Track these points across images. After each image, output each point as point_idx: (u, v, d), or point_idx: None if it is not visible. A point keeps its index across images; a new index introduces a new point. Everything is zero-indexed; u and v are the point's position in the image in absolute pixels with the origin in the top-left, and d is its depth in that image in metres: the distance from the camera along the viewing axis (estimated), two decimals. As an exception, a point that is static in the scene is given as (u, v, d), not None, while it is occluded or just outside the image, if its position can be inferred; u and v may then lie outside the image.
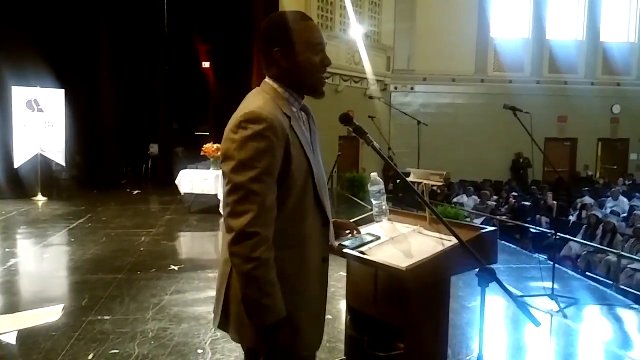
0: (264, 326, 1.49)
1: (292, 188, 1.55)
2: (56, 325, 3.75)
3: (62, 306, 4.12)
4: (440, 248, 1.93)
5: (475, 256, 1.59)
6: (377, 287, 2.10)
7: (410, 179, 2.25)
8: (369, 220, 2.34)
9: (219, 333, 3.59)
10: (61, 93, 10.30)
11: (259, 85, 1.70)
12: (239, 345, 1.73)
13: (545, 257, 6.49)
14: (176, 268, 5.34)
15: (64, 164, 10.65)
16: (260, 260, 1.44)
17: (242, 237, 1.44)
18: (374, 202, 2.21)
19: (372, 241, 2.09)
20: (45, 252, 6.19)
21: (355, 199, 10.62)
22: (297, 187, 1.56)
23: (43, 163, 10.15)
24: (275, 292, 1.48)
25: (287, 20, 1.61)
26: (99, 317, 3.91)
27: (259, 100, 1.57)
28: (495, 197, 12.46)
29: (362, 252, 2.01)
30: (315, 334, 1.68)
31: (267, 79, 1.67)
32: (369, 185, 2.18)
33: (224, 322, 1.63)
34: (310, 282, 1.63)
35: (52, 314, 3.95)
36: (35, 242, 6.64)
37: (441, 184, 2.19)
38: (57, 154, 10.32)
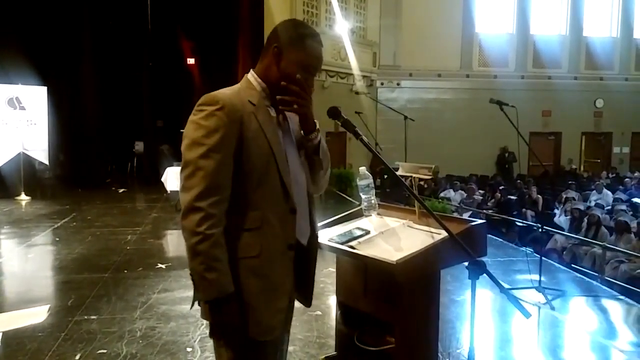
0: (206, 300, 1.54)
1: (251, 172, 1.58)
2: (42, 326, 3.69)
3: (47, 306, 4.07)
4: (430, 241, 1.93)
5: (465, 249, 1.59)
6: (366, 281, 2.09)
7: (399, 172, 2.25)
8: (358, 215, 2.34)
9: (208, 330, 3.56)
10: (43, 90, 10.15)
11: None
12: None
13: (532, 250, 6.55)
14: (163, 266, 5.30)
15: (47, 162, 10.50)
16: (204, 235, 1.47)
17: (188, 211, 1.49)
18: (363, 196, 2.21)
19: (361, 235, 2.08)
20: (29, 252, 6.10)
21: (343, 195, 10.63)
22: (257, 172, 1.59)
23: (26, 162, 10.01)
24: (220, 267, 1.50)
25: (299, 28, 1.69)
26: (86, 317, 3.87)
27: (226, 89, 1.65)
28: (481, 191, 12.54)
29: (351, 247, 2.01)
30: (275, 319, 1.64)
31: (250, 72, 1.72)
32: (357, 180, 2.17)
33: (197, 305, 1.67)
34: (271, 267, 1.62)
35: (37, 315, 3.89)
36: (19, 242, 6.55)
37: (430, 177, 2.19)
38: (40, 153, 10.17)
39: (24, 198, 9.70)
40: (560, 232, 8.53)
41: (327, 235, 2.10)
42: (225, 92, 1.61)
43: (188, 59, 13.71)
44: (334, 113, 1.75)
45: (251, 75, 1.70)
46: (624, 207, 9.85)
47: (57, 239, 6.62)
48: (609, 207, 10.10)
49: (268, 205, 1.61)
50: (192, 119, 1.56)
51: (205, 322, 3.72)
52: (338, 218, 2.33)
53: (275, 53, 1.64)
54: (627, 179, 13.99)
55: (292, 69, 1.64)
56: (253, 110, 1.61)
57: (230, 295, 1.52)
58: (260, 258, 1.60)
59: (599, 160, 18.62)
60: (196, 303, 1.66)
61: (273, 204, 1.62)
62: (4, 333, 3.55)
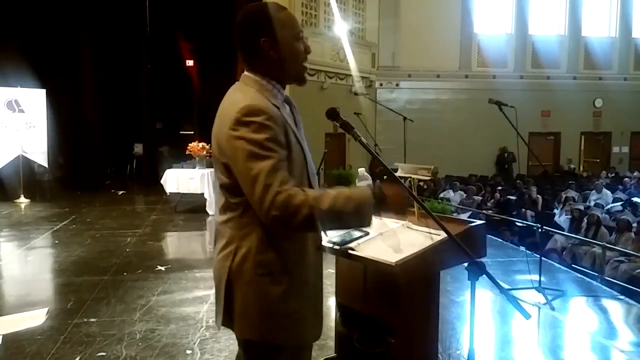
0: (370, 208, 1.51)
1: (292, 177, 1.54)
2: (41, 329, 3.69)
3: (46, 309, 4.06)
4: (429, 242, 1.93)
5: (464, 249, 1.59)
6: (366, 282, 2.09)
7: (398, 173, 2.25)
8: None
9: (208, 333, 3.56)
10: (42, 93, 10.13)
11: None
12: (228, 344, 1.72)
13: (531, 250, 6.55)
14: (163, 268, 5.29)
15: (46, 165, 10.49)
16: (303, 205, 1.42)
17: (282, 217, 1.42)
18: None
19: (360, 237, 2.07)
20: (28, 255, 6.09)
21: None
22: (296, 176, 1.55)
23: (25, 164, 9.99)
24: (333, 196, 1.46)
25: (269, 10, 1.61)
26: (85, 320, 3.86)
27: (245, 94, 1.56)
28: (481, 192, 12.55)
29: (350, 248, 2.00)
30: (316, 323, 1.68)
31: (247, 73, 1.64)
32: (356, 181, 2.17)
33: (226, 320, 1.61)
34: (308, 271, 1.63)
35: (36, 318, 3.88)
36: (18, 244, 6.54)
37: (429, 178, 2.18)
38: (39, 155, 10.16)
39: (23, 201, 9.69)
40: (560, 232, 8.53)
41: (327, 237, 2.10)
42: (257, 100, 1.52)
43: (187, 61, 13.71)
44: (332, 114, 1.75)
45: (253, 76, 1.62)
46: (619, 207, 9.86)
47: (57, 242, 6.61)
48: (608, 207, 10.10)
49: None
50: (238, 134, 1.46)
51: (205, 324, 3.74)
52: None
53: (268, 45, 1.58)
54: (626, 179, 14.00)
55: (293, 46, 1.62)
56: (281, 112, 1.57)
57: (365, 192, 1.51)
58: (300, 264, 1.60)
59: (598, 160, 18.62)
60: (219, 315, 1.63)
61: None
62: (4, 336, 3.55)
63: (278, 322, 1.56)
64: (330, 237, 2.08)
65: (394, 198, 1.57)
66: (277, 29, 1.59)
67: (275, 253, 1.55)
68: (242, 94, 1.56)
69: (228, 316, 1.59)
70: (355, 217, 1.50)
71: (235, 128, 1.46)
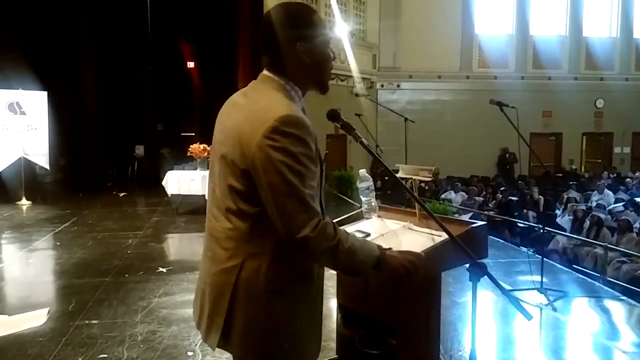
0: (373, 268, 1.50)
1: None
2: (43, 330, 3.69)
3: (47, 309, 4.06)
4: (430, 243, 1.92)
5: (466, 251, 1.58)
6: (367, 284, 2.08)
7: (399, 174, 2.24)
8: (358, 217, 2.33)
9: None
10: (43, 95, 10.15)
11: (244, 85, 1.62)
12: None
13: (533, 251, 6.54)
14: (164, 270, 5.29)
15: (47, 167, 10.50)
16: (334, 237, 1.41)
17: (314, 240, 1.38)
18: (363, 199, 2.20)
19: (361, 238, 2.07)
20: (30, 257, 6.09)
21: (344, 197, 10.63)
22: (316, 187, 1.49)
23: (26, 166, 10.00)
24: (353, 242, 1.46)
25: (310, 13, 1.55)
26: (87, 321, 3.86)
27: (277, 99, 1.48)
28: (482, 193, 12.54)
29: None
30: (318, 341, 1.63)
31: (270, 74, 1.55)
32: (357, 182, 2.17)
33: (221, 339, 1.50)
34: (313, 288, 1.58)
35: (37, 318, 3.88)
36: (20, 246, 6.54)
37: (430, 179, 2.18)
38: (41, 157, 10.17)
39: (24, 203, 9.70)
40: (562, 232, 8.52)
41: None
42: (293, 110, 1.44)
43: (188, 63, 13.72)
44: (333, 115, 1.73)
45: (278, 79, 1.53)
46: (621, 208, 9.85)
47: (58, 244, 6.61)
48: (610, 208, 10.09)
49: None
50: (278, 145, 1.36)
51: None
52: (338, 221, 2.32)
53: (303, 50, 1.51)
54: (628, 179, 13.99)
55: (325, 52, 1.56)
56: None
57: (380, 250, 1.51)
58: (309, 281, 1.56)
59: (599, 161, 18.61)
60: (214, 334, 1.53)
61: None
62: (5, 337, 3.55)
63: (284, 341, 1.50)
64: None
65: (394, 271, 1.53)
66: (313, 33, 1.52)
67: (287, 270, 1.48)
68: (274, 99, 1.47)
69: (224, 335, 1.50)
70: (357, 264, 1.48)
71: (273, 137, 1.36)
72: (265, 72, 1.57)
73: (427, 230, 2.07)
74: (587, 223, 8.52)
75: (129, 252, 6.11)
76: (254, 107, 1.47)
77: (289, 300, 1.49)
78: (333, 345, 2.50)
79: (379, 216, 2.29)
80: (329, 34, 1.58)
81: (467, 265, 1.66)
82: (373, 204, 2.20)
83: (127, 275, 5.11)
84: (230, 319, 1.48)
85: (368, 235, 2.10)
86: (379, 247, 1.53)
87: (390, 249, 1.55)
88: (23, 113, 9.89)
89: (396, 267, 1.52)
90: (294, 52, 1.51)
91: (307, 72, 1.54)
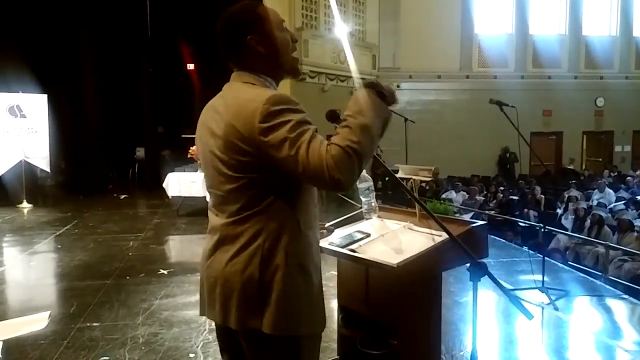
0: (381, 103, 1.51)
1: None
2: (44, 333, 3.68)
3: (48, 312, 4.05)
4: (430, 243, 1.92)
5: (466, 250, 1.58)
6: (368, 284, 2.08)
7: (399, 175, 2.24)
8: (359, 218, 2.33)
9: (210, 336, 3.56)
10: (44, 98, 10.17)
11: None
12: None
13: (534, 250, 6.54)
14: (165, 272, 5.30)
15: (48, 169, 10.51)
16: (353, 150, 1.40)
17: (345, 178, 1.39)
18: (363, 199, 2.20)
19: (362, 238, 2.07)
20: (31, 260, 6.10)
21: (344, 197, 10.61)
22: None
23: (27, 169, 10.02)
24: (355, 124, 1.44)
25: (250, 7, 1.60)
26: (88, 324, 3.86)
27: (256, 89, 1.54)
28: (483, 192, 12.53)
29: (352, 250, 2.00)
30: (324, 313, 1.66)
31: (240, 72, 1.61)
32: (357, 183, 2.16)
33: (262, 319, 1.52)
34: (317, 257, 1.63)
35: (38, 321, 3.88)
36: (21, 249, 6.55)
37: (430, 179, 2.18)
38: (42, 160, 10.18)
39: (25, 206, 9.71)
40: (563, 231, 8.51)
41: (328, 239, 2.10)
42: (275, 91, 1.53)
43: (188, 65, 13.73)
44: (332, 116, 1.73)
45: (249, 74, 1.59)
46: (622, 206, 9.84)
47: (59, 246, 6.62)
48: (611, 206, 10.07)
49: (314, 200, 1.62)
50: (277, 122, 1.41)
51: (207, 327, 3.73)
52: (339, 221, 2.32)
53: (255, 42, 1.57)
54: (629, 178, 13.96)
55: (279, 37, 1.60)
56: None
57: (368, 88, 1.51)
58: (317, 251, 1.62)
59: (600, 159, 18.59)
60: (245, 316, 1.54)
61: (314, 197, 1.62)
62: (6, 341, 3.54)
63: (309, 312, 1.56)
64: (332, 239, 2.08)
65: (388, 87, 1.57)
66: (260, 24, 1.58)
67: (304, 244, 1.55)
68: (253, 91, 1.53)
69: (254, 315, 1.52)
70: (380, 123, 1.49)
71: (269, 119, 1.42)
72: (235, 73, 1.63)
73: (428, 230, 2.07)
74: (588, 222, 8.51)
75: (130, 254, 6.11)
76: (238, 103, 1.51)
77: (307, 272, 1.55)
78: (334, 346, 2.50)
79: (379, 216, 2.29)
80: (279, 19, 1.63)
81: (468, 265, 1.65)
82: (373, 204, 2.20)
83: (128, 278, 5.11)
84: (264, 299, 1.51)
85: (368, 235, 2.10)
86: (362, 91, 1.51)
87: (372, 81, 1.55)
88: (23, 116, 9.91)
89: (390, 88, 1.57)
90: (248, 47, 1.57)
91: (268, 61, 1.60)
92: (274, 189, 1.50)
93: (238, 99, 1.52)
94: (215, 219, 1.63)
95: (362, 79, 1.49)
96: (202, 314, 1.72)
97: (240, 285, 1.53)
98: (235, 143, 1.47)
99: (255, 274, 1.51)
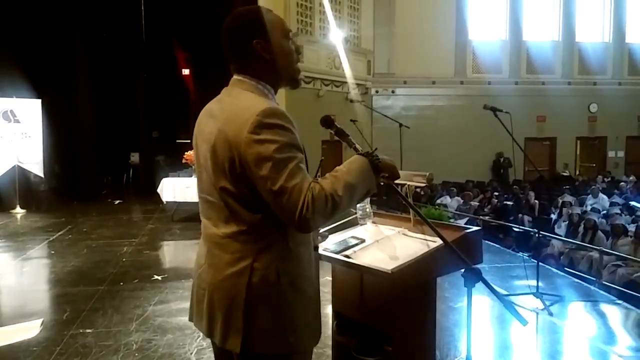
0: (370, 171, 1.54)
1: None
2: (37, 340, 3.66)
3: (40, 320, 4.03)
4: (425, 249, 1.93)
5: (460, 256, 1.58)
6: (362, 290, 2.08)
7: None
8: (353, 223, 2.33)
9: (205, 342, 3.54)
10: (37, 103, 10.12)
11: None
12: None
13: (529, 255, 6.55)
14: (159, 278, 5.27)
15: (42, 175, 10.45)
16: (327, 199, 1.41)
17: (316, 218, 1.39)
18: (358, 205, 2.20)
19: (356, 244, 2.07)
20: (24, 266, 6.06)
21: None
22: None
23: (21, 174, 9.96)
24: (342, 176, 1.48)
25: (259, 12, 1.60)
26: (81, 330, 3.83)
27: (253, 98, 1.52)
28: (478, 197, 12.56)
29: (346, 256, 2.00)
30: (319, 323, 1.65)
31: (240, 77, 1.60)
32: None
33: (244, 339, 1.49)
34: (313, 274, 1.62)
35: (30, 329, 3.85)
36: (14, 255, 6.50)
37: (424, 184, 2.18)
38: (35, 165, 10.13)
39: (19, 211, 9.65)
40: (557, 237, 8.54)
41: (323, 245, 2.09)
42: (271, 104, 1.49)
43: (182, 70, 13.73)
44: (326, 122, 1.74)
45: (248, 80, 1.58)
46: (617, 210, 9.88)
47: (53, 252, 6.58)
48: (605, 212, 10.11)
49: None
50: (263, 138, 1.39)
51: (201, 334, 3.70)
52: (333, 227, 2.32)
53: (260, 46, 1.56)
54: (622, 183, 14.04)
55: (285, 46, 1.61)
56: None
57: (365, 157, 1.56)
58: (312, 269, 1.60)
59: (594, 165, 18.68)
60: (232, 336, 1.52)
61: None
62: (-2, 348, 3.52)
63: (302, 329, 1.54)
64: (326, 245, 2.07)
65: (385, 162, 1.60)
66: (267, 30, 1.58)
67: (295, 260, 1.53)
68: (250, 99, 1.51)
69: (245, 336, 1.49)
70: (362, 190, 1.52)
71: (258, 132, 1.40)
72: (235, 76, 1.62)
73: (422, 236, 2.07)
74: (582, 227, 8.54)
75: (124, 260, 6.08)
76: (232, 109, 1.50)
77: (300, 290, 1.54)
78: (329, 352, 2.49)
79: (373, 222, 2.29)
80: (287, 28, 1.63)
81: (462, 271, 1.65)
82: (367, 210, 2.20)
83: (122, 284, 5.08)
84: (250, 319, 1.49)
85: (363, 241, 2.10)
86: (359, 156, 1.56)
87: (373, 152, 1.60)
88: (17, 121, 9.86)
89: (387, 162, 1.61)
90: (254, 51, 1.56)
91: (271, 67, 1.59)
92: (262, 206, 1.46)
93: (234, 105, 1.51)
94: (207, 226, 1.61)
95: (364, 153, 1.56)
96: (190, 319, 1.70)
97: (225, 303, 1.51)
98: (224, 149, 1.46)
99: (241, 295, 1.49)
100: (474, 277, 1.58)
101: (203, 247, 1.63)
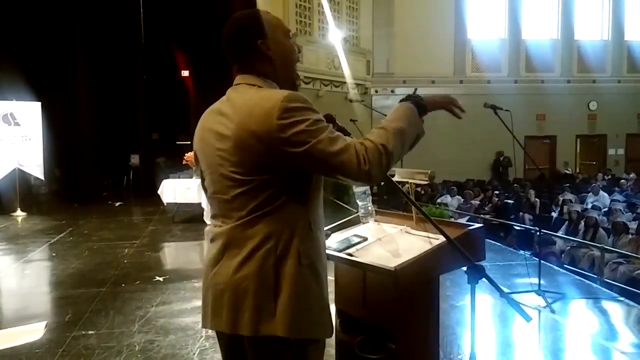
0: (416, 113, 1.60)
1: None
2: (40, 342, 3.66)
3: (44, 323, 4.03)
4: (428, 247, 1.92)
5: (463, 253, 1.58)
6: (365, 288, 2.08)
7: (395, 178, 2.24)
8: (355, 222, 2.33)
9: (207, 343, 3.54)
10: (37, 106, 10.13)
11: None
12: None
13: (530, 253, 6.55)
14: (161, 279, 5.27)
15: (42, 177, 10.46)
16: (384, 147, 1.46)
17: (379, 169, 1.46)
18: (360, 204, 2.20)
19: (359, 242, 2.07)
20: (25, 268, 6.06)
21: (340, 203, 10.60)
22: None
23: (21, 177, 9.97)
24: (392, 127, 1.52)
25: (260, 13, 1.64)
26: (84, 332, 3.83)
27: (268, 90, 1.56)
28: (478, 196, 12.56)
29: (349, 254, 2.00)
30: (330, 316, 1.63)
31: (246, 76, 1.61)
32: (354, 187, 2.17)
33: (258, 324, 1.48)
34: (325, 259, 1.64)
35: (34, 332, 3.85)
36: (15, 258, 6.50)
37: (426, 182, 2.18)
38: (35, 168, 10.13)
39: (19, 214, 9.65)
40: (558, 235, 8.53)
41: (325, 243, 2.09)
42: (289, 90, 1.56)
43: (182, 71, 13.73)
44: (328, 121, 1.74)
45: (255, 78, 1.60)
46: (620, 207, 9.87)
47: (54, 255, 6.58)
48: (606, 209, 10.10)
49: (321, 201, 1.62)
50: (296, 119, 1.43)
51: (204, 334, 3.71)
52: (335, 226, 2.32)
53: (265, 47, 1.60)
54: (622, 180, 14.03)
55: (287, 45, 1.65)
56: None
57: (411, 101, 1.61)
58: (324, 252, 1.62)
59: (594, 163, 18.68)
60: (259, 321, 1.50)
61: (322, 198, 1.63)
62: (1, 351, 3.52)
63: (321, 313, 1.55)
64: (329, 243, 2.07)
65: (431, 99, 1.67)
66: (270, 30, 1.61)
67: (315, 243, 1.55)
68: (266, 92, 1.54)
69: (268, 320, 1.48)
70: (412, 132, 1.57)
71: (287, 116, 1.43)
72: (240, 76, 1.63)
73: (424, 233, 2.07)
74: (583, 225, 8.53)
75: (125, 261, 6.08)
76: (249, 104, 1.50)
77: (317, 273, 1.55)
78: (332, 351, 2.49)
79: (376, 220, 2.29)
80: (287, 28, 1.68)
81: (465, 268, 1.65)
82: (370, 208, 2.20)
83: (123, 285, 5.08)
84: (278, 302, 1.49)
85: (365, 239, 2.09)
86: (405, 100, 1.61)
87: (414, 93, 1.65)
88: (17, 124, 9.87)
89: (435, 100, 1.69)
90: (258, 50, 1.60)
91: (275, 66, 1.63)
92: (285, 190, 1.49)
93: (249, 99, 1.52)
94: (221, 224, 1.59)
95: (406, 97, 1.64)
96: (204, 326, 1.64)
97: (253, 289, 1.49)
98: (248, 142, 1.46)
99: (270, 276, 1.48)
100: (477, 274, 1.58)
101: (214, 247, 1.59)
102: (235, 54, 1.63)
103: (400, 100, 1.62)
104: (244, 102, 1.52)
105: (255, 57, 1.61)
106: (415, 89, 1.66)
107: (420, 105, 1.61)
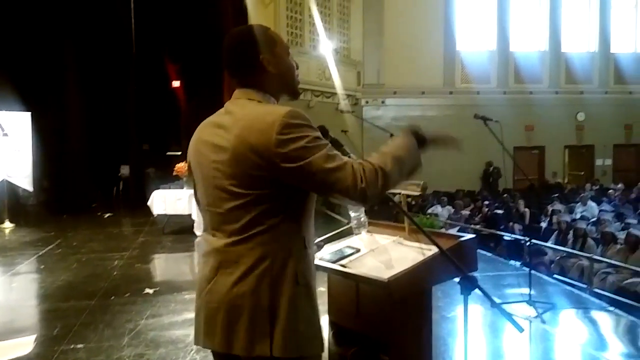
0: (416, 147, 1.61)
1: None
2: (27, 357, 3.61)
3: (33, 337, 3.97)
4: (420, 258, 1.93)
5: (456, 264, 1.59)
6: (358, 300, 2.08)
7: (388, 190, 2.25)
8: (348, 233, 2.33)
9: (198, 356, 3.51)
10: (27, 116, 10.05)
11: None
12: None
13: (520, 264, 6.59)
14: (151, 291, 5.22)
15: (31, 189, 10.35)
16: (382, 171, 1.48)
17: (375, 190, 1.46)
18: (352, 215, 2.21)
19: (352, 254, 2.07)
20: (13, 281, 5.98)
21: (332, 214, 10.60)
22: None
23: (9, 189, 9.86)
24: (391, 154, 1.54)
25: (261, 30, 1.66)
26: (72, 346, 3.78)
27: (267, 105, 1.58)
28: (468, 207, 12.62)
29: (342, 265, 2.00)
30: (322, 333, 1.63)
31: (247, 90, 1.62)
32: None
33: (272, 342, 1.47)
34: (315, 277, 1.64)
35: (22, 346, 3.80)
36: (2, 270, 6.41)
37: (418, 193, 2.19)
38: (24, 180, 10.02)
39: (7, 226, 9.53)
40: (548, 245, 8.58)
41: (318, 255, 2.09)
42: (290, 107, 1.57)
43: (173, 82, 13.70)
44: (321, 132, 1.75)
45: (255, 92, 1.61)
46: (608, 217, 9.96)
47: (42, 267, 6.50)
48: (595, 219, 10.19)
49: (313, 218, 1.63)
50: (295, 135, 1.44)
51: (195, 347, 3.68)
52: (328, 237, 2.32)
53: (267, 61, 1.61)
54: (610, 191, 14.17)
55: (287, 60, 1.68)
56: None
57: (411, 132, 1.64)
58: (314, 269, 1.62)
59: (582, 173, 18.86)
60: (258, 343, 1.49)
61: (313, 215, 1.63)
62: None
63: (314, 331, 1.55)
64: (321, 254, 2.07)
65: (435, 134, 1.69)
66: (271, 45, 1.64)
67: (308, 261, 1.56)
68: (266, 107, 1.57)
69: (263, 340, 1.47)
70: (410, 163, 1.57)
71: (287, 132, 1.44)
72: (240, 90, 1.64)
73: (417, 244, 2.08)
74: (571, 235, 8.59)
75: (114, 273, 6.02)
76: (249, 118, 1.51)
77: (310, 292, 1.55)
78: (325, 363, 2.48)
79: (368, 231, 2.30)
80: (287, 45, 1.71)
81: (457, 279, 1.66)
82: (362, 219, 2.21)
83: (113, 298, 5.03)
84: (274, 322, 1.47)
85: (358, 250, 2.10)
86: (406, 131, 1.65)
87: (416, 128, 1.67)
88: (6, 135, 9.77)
89: (437, 136, 1.72)
90: (260, 65, 1.61)
91: (276, 81, 1.65)
92: (281, 207, 1.49)
93: (249, 113, 1.53)
94: (212, 240, 1.58)
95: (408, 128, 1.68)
96: (197, 343, 1.63)
97: (249, 308, 1.48)
98: (246, 155, 1.46)
99: (266, 296, 1.47)
100: (470, 285, 1.59)
101: (208, 263, 1.57)
102: (236, 68, 1.65)
103: (403, 131, 1.65)
104: (244, 115, 1.53)
105: (255, 72, 1.62)
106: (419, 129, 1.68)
107: (420, 139, 1.63)
